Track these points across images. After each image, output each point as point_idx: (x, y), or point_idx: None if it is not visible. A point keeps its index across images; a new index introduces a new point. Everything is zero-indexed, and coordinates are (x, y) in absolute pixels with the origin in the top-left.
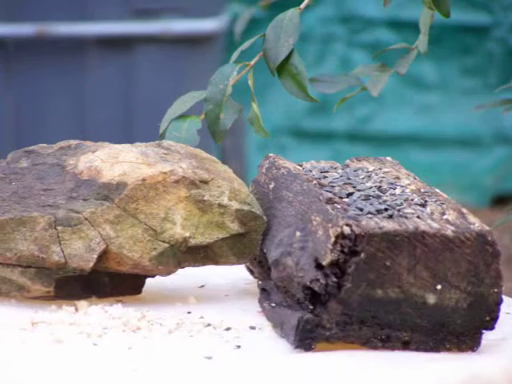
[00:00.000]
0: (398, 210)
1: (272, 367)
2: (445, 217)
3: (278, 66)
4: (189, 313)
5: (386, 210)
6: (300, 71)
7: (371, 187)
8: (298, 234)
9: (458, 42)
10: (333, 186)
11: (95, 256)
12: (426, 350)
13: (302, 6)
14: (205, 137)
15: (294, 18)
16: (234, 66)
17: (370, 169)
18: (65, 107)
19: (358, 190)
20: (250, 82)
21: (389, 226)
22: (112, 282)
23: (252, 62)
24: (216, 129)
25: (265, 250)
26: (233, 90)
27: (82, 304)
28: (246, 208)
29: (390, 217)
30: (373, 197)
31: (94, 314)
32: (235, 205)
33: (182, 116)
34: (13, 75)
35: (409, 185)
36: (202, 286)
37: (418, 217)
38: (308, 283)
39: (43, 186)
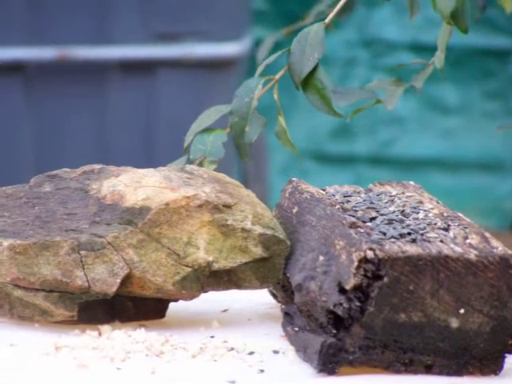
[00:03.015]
0: (421, 234)
1: None
2: (468, 241)
3: (303, 80)
4: (212, 337)
5: (409, 234)
6: (325, 85)
7: (394, 211)
8: (321, 258)
9: (480, 66)
10: (356, 211)
11: (118, 280)
12: (448, 374)
13: (327, 20)
14: (228, 161)
15: (319, 33)
16: (259, 79)
17: (393, 193)
18: (86, 131)
19: (381, 215)
20: (276, 96)
21: (412, 250)
22: (135, 306)
23: (277, 76)
24: (241, 141)
25: (288, 275)
26: (257, 105)
27: (106, 328)
28: (269, 232)
29: (413, 241)
30: (396, 221)
31: (118, 338)
32: (258, 229)
33: (207, 129)
34: (33, 99)
35: (432, 209)
36: (226, 311)
37: (441, 241)
38: (331, 307)
39: (66, 210)
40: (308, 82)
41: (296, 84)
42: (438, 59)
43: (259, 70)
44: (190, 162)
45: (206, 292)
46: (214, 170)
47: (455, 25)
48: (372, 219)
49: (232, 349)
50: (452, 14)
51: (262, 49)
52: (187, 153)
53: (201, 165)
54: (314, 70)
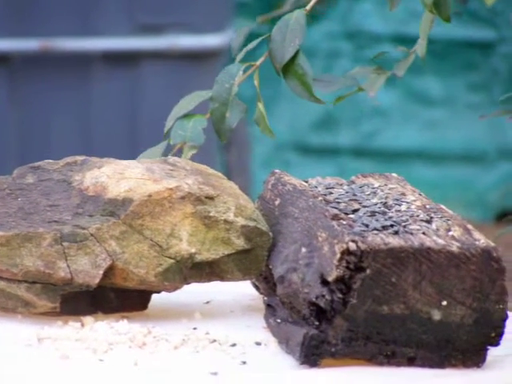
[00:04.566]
0: (404, 227)
1: (277, 383)
2: (450, 233)
3: (284, 66)
4: (194, 329)
5: (391, 226)
6: (306, 71)
7: (377, 203)
8: (303, 250)
9: (463, 58)
10: (338, 203)
11: (101, 272)
12: (431, 366)
13: (309, 7)
14: (211, 152)
15: (299, 19)
16: (239, 65)
17: (376, 185)
18: (70, 123)
19: (364, 207)
20: (256, 82)
21: (394, 242)
22: (118, 297)
23: (258, 62)
24: (221, 127)
25: (270, 266)
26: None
27: (88, 320)
28: (251, 224)
29: (396, 233)
30: (378, 213)
31: (100, 329)
32: (241, 221)
33: (188, 115)
34: (17, 91)
35: (414, 201)
36: (208, 302)
37: (424, 233)
38: (314, 299)
39: (49, 201)
40: (289, 68)
41: (277, 70)
42: (420, 47)
43: (239, 56)
44: (170, 147)
45: (189, 284)
46: (196, 159)
47: (437, 13)
48: (354, 211)
49: (214, 340)
50: (434, 2)
51: (236, 38)
52: (167, 138)
53: (181, 150)
54: (295, 56)
